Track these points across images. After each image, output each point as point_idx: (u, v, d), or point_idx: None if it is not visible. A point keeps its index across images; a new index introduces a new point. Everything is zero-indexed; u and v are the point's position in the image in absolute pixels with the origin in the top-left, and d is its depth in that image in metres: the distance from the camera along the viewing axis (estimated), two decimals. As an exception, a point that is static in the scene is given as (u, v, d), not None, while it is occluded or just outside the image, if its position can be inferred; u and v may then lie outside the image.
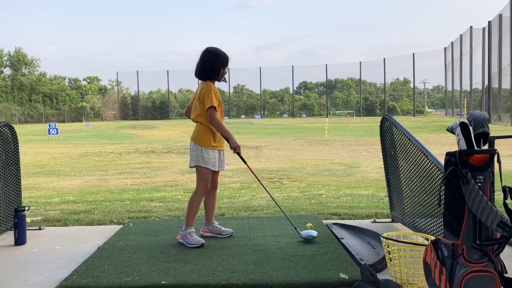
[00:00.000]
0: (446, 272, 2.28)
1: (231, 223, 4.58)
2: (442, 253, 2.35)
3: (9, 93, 74.96)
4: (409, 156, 3.92)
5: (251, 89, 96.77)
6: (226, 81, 4.07)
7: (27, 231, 4.13)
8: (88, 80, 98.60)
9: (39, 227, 4.62)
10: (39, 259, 3.61)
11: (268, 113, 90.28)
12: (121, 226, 4.67)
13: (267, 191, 4.32)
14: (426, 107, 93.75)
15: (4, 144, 4.37)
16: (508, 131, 24.32)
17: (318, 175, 9.15)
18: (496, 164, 2.28)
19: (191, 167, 4.00)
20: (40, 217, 5.15)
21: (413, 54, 72.39)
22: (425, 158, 3.53)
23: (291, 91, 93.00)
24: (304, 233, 3.99)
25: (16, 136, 4.54)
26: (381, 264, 3.20)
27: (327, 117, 66.71)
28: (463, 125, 2.34)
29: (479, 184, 2.21)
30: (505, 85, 34.50)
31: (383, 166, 4.82)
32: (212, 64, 3.93)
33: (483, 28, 39.17)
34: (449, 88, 60.24)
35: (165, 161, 12.99)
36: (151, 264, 3.38)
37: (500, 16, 34.67)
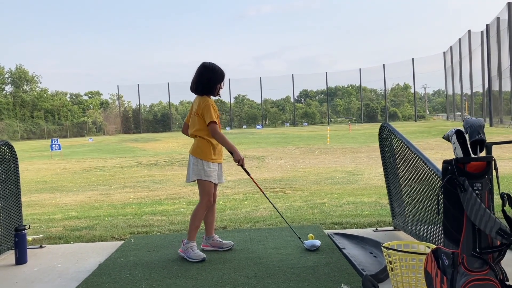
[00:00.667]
0: (447, 281, 2.26)
1: (233, 236, 4.57)
2: (442, 262, 2.33)
3: (11, 110, 75.42)
4: (408, 164, 3.91)
5: (252, 99, 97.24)
6: (220, 96, 4.13)
7: (28, 249, 4.12)
8: (90, 95, 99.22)
9: (40, 245, 4.61)
10: (39, 278, 3.60)
11: (270, 122, 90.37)
12: (122, 242, 4.66)
13: (271, 202, 4.34)
14: (427, 112, 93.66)
15: (3, 163, 4.38)
16: (510, 133, 24.25)
17: (320, 184, 9.14)
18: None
19: (190, 181, 4.01)
20: (41, 235, 5.14)
21: (412, 59, 72.54)
22: (425, 166, 3.52)
23: (292, 99, 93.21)
24: (308, 243, 4.00)
25: (16, 155, 4.54)
26: (383, 274, 3.17)
27: (328, 124, 66.72)
28: (458, 133, 2.33)
29: (476, 191, 2.19)
30: (506, 87, 34.45)
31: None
32: (208, 79, 3.95)
33: (481, 32, 39.21)
34: (450, 92, 60.15)
35: (168, 174, 13.00)
36: (152, 280, 3.36)
37: (497, 19, 34.72)
